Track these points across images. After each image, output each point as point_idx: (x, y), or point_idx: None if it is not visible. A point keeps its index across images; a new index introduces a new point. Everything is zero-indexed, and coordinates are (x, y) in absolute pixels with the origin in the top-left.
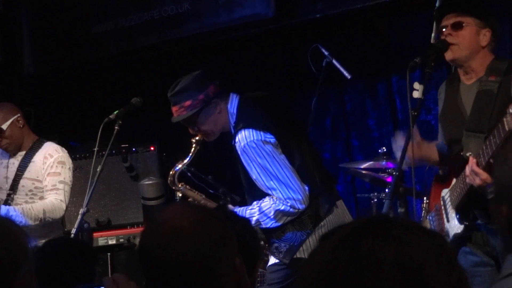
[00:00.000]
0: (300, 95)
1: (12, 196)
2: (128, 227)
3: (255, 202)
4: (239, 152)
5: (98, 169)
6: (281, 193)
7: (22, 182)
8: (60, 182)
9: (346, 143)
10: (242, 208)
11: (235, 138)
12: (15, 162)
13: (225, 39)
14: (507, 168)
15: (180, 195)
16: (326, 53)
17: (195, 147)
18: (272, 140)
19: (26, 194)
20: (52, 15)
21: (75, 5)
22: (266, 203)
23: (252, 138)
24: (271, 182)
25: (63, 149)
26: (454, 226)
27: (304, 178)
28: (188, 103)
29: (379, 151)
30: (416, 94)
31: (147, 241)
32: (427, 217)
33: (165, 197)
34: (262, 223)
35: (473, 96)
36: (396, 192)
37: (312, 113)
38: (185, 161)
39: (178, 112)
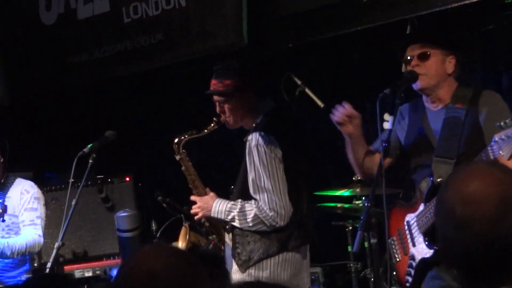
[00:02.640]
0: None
1: None
2: (104, 258)
3: (239, 200)
4: (247, 149)
5: (73, 202)
6: (268, 202)
7: None
8: (38, 217)
9: (322, 170)
10: (224, 201)
11: (249, 135)
12: None
13: (199, 69)
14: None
15: (177, 158)
16: (298, 82)
17: (213, 126)
18: (279, 154)
19: (3, 229)
20: (26, 46)
21: (49, 35)
22: (250, 204)
23: (265, 143)
24: (263, 187)
25: (36, 185)
26: (422, 250)
27: (293, 203)
28: (228, 81)
29: (353, 179)
30: (386, 125)
31: (120, 283)
32: (388, 240)
33: (140, 229)
34: (236, 220)
35: (440, 123)
36: (368, 222)
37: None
38: (199, 134)
39: (215, 86)
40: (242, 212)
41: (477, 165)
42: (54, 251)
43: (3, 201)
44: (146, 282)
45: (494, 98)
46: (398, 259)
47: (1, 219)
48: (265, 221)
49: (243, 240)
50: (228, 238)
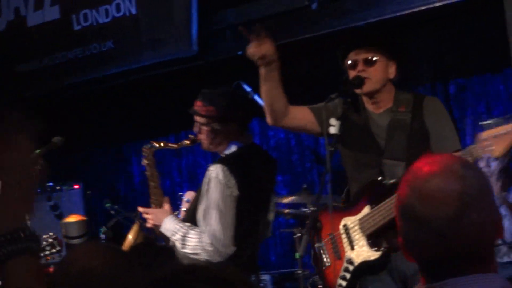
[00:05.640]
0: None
1: None
2: (52, 266)
3: (188, 224)
4: (208, 177)
5: None
6: (210, 236)
7: None
8: None
9: None
10: (174, 220)
11: (213, 166)
12: None
13: (149, 77)
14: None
15: (145, 163)
16: (248, 89)
17: (187, 143)
18: (235, 193)
19: None
20: None
21: None
22: (195, 232)
23: (224, 179)
24: (211, 221)
25: None
26: (363, 253)
27: (239, 241)
28: (211, 108)
29: (302, 186)
30: (332, 130)
31: (57, 280)
32: (314, 245)
33: (88, 236)
34: (178, 243)
35: (384, 125)
36: (314, 227)
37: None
38: (170, 144)
39: (198, 108)
40: (185, 237)
41: (438, 160)
42: None
43: None
44: (82, 278)
45: (438, 104)
46: (328, 264)
47: None
48: (203, 253)
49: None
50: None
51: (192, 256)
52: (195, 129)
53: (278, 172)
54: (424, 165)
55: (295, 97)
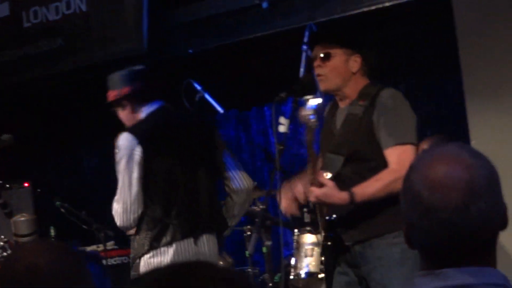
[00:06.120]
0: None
1: None
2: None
3: None
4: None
5: None
6: (115, 201)
7: None
8: None
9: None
10: None
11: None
12: None
13: (99, 74)
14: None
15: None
16: (198, 87)
17: None
18: (138, 157)
19: None
20: None
21: None
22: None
23: (126, 143)
24: (118, 185)
25: None
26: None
27: (155, 201)
28: (115, 92)
29: (253, 184)
30: (282, 129)
31: (3, 276)
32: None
33: (37, 234)
34: None
35: (342, 119)
36: (263, 225)
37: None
38: None
39: (108, 97)
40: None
41: (446, 148)
42: None
43: None
44: (28, 275)
45: (389, 97)
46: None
47: None
48: (116, 220)
49: (132, 245)
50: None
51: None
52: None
53: None
54: (432, 152)
55: (246, 96)
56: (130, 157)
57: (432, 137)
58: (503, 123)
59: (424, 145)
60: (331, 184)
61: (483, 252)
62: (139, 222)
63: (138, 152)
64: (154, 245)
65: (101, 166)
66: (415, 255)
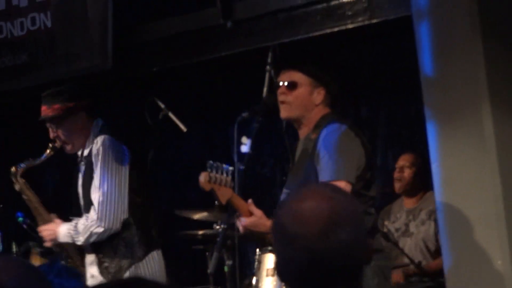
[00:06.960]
0: (137, 147)
1: None
2: None
3: (75, 219)
4: (93, 155)
5: None
6: (99, 211)
7: None
8: None
9: (183, 195)
10: (65, 224)
11: (93, 145)
12: None
13: None
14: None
15: (18, 188)
16: (162, 106)
17: (49, 152)
18: (125, 157)
19: None
20: None
21: None
22: (82, 221)
23: (111, 143)
24: (101, 193)
25: None
26: None
27: (135, 209)
28: (56, 106)
29: (215, 203)
30: (244, 148)
31: None
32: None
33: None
34: (76, 239)
35: (299, 153)
36: (224, 244)
37: (149, 165)
38: (35, 161)
39: (45, 112)
40: (76, 231)
41: (312, 186)
42: None
43: None
44: None
45: (327, 134)
46: None
47: None
48: (98, 234)
49: (107, 254)
50: (89, 258)
51: (89, 240)
52: (52, 136)
53: (191, 187)
54: (299, 190)
55: (209, 115)
56: (121, 161)
57: (409, 154)
58: (463, 146)
59: (401, 162)
60: (259, 213)
61: (348, 281)
62: (110, 245)
63: (126, 158)
64: (148, 250)
65: (63, 181)
66: None
